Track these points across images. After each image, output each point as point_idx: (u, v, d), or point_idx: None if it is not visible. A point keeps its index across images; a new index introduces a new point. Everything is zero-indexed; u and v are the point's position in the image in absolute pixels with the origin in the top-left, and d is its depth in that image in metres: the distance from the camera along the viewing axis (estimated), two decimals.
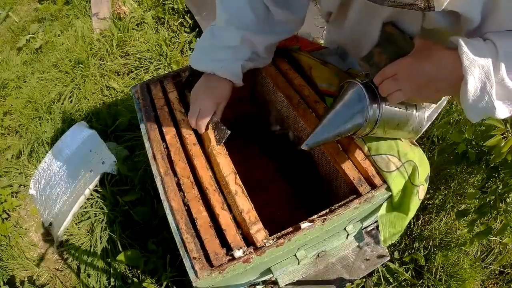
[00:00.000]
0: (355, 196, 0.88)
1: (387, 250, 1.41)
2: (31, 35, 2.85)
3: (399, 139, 0.92)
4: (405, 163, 0.88)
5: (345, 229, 1.00)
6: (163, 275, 1.55)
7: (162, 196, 0.86)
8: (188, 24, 2.62)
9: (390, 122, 0.80)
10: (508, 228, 1.22)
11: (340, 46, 1.14)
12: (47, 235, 1.89)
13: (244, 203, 0.83)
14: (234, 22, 0.93)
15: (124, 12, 2.68)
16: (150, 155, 0.95)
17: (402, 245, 1.68)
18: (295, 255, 0.92)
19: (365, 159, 0.91)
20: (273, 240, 0.80)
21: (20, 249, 1.85)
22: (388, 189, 0.87)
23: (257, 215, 0.81)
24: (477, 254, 1.68)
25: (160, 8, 2.71)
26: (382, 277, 1.56)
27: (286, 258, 0.92)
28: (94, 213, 1.78)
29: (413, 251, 1.66)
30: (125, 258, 1.59)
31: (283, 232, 0.82)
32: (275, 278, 0.95)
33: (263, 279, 1.06)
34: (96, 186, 1.81)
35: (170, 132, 0.97)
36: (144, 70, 2.43)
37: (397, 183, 0.87)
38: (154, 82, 1.10)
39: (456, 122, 1.78)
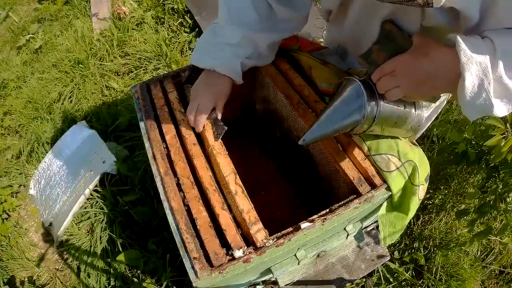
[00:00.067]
0: (355, 196, 0.88)
1: (387, 250, 1.40)
2: (31, 35, 2.85)
3: (398, 137, 0.92)
4: (405, 163, 0.88)
5: (345, 229, 1.00)
6: (163, 275, 1.55)
7: (162, 196, 0.86)
8: (188, 24, 2.62)
9: (388, 120, 0.80)
10: (508, 228, 1.22)
11: (340, 45, 1.14)
12: (47, 235, 1.89)
13: (244, 203, 0.83)
14: (235, 20, 0.93)
15: (124, 12, 2.68)
16: (150, 155, 0.95)
17: (402, 245, 1.68)
18: (295, 255, 0.92)
19: (365, 159, 0.91)
20: (273, 240, 0.80)
21: (20, 249, 1.85)
22: (388, 189, 0.87)
23: (257, 215, 0.81)
24: (477, 254, 1.68)
25: (160, 8, 2.71)
26: (382, 277, 1.56)
27: (286, 258, 0.92)
28: (94, 213, 1.78)
29: (413, 251, 1.66)
30: (125, 258, 1.59)
31: (283, 232, 0.82)
32: (275, 278, 0.95)
33: (263, 279, 1.06)
34: (96, 186, 1.81)
35: (170, 132, 0.97)
36: (144, 70, 2.43)
37: (397, 183, 0.87)
38: (154, 82, 1.10)
39: (455, 121, 1.78)
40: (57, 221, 1.79)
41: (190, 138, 0.96)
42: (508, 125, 1.09)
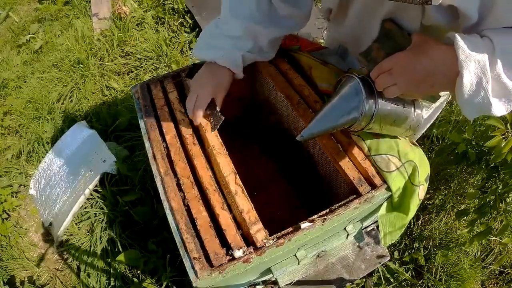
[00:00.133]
0: (355, 196, 0.88)
1: (387, 250, 1.40)
2: (31, 35, 2.85)
3: (397, 137, 0.92)
4: (405, 163, 0.88)
5: (345, 229, 1.00)
6: (163, 275, 1.55)
7: (162, 196, 0.86)
8: (188, 24, 2.62)
9: (386, 118, 0.80)
10: (508, 228, 1.22)
11: (340, 44, 1.14)
12: (47, 235, 1.89)
13: (244, 203, 0.83)
14: (237, 14, 0.94)
15: (125, 12, 2.68)
16: (150, 155, 0.95)
17: (402, 245, 1.68)
18: (295, 255, 0.92)
19: (365, 159, 0.91)
20: (273, 240, 0.80)
21: (20, 249, 1.85)
22: (388, 189, 0.87)
23: (257, 215, 0.81)
24: (477, 254, 1.68)
25: (160, 8, 2.71)
26: (382, 277, 1.56)
27: (286, 258, 0.92)
28: (94, 213, 1.78)
29: (413, 251, 1.66)
30: (125, 258, 1.59)
31: (283, 232, 0.82)
32: (275, 278, 0.95)
33: (263, 279, 1.06)
34: (96, 186, 1.81)
35: (170, 132, 0.97)
36: (144, 70, 2.43)
37: (397, 183, 0.87)
38: (154, 82, 1.10)
39: (456, 122, 1.78)
40: (57, 221, 1.79)
41: (190, 138, 0.96)
42: (508, 126, 1.09)
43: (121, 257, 1.59)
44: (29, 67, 2.67)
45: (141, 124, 1.02)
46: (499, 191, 1.22)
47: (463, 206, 1.69)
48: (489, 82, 0.62)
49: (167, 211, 0.84)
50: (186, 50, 2.51)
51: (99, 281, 1.63)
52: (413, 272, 1.63)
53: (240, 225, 0.83)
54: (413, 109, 0.83)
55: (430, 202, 1.77)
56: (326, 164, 1.02)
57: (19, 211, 2.01)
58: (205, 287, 0.77)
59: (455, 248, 1.64)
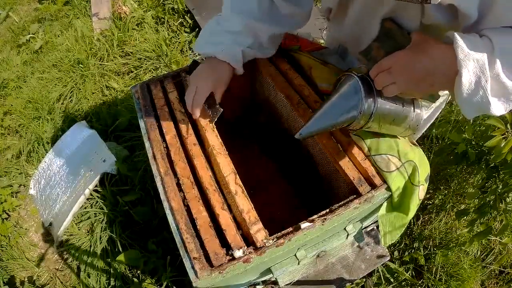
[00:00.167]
0: (355, 196, 0.88)
1: (387, 250, 1.41)
2: (31, 35, 2.85)
3: (397, 136, 0.92)
4: (405, 163, 0.88)
5: (345, 229, 1.00)
6: (163, 275, 1.55)
7: (162, 196, 0.86)
8: (188, 24, 2.62)
9: (385, 117, 0.80)
10: (508, 228, 1.22)
11: (340, 44, 1.14)
12: (47, 235, 1.89)
13: (244, 203, 0.83)
14: (238, 10, 0.94)
15: (125, 12, 2.68)
16: (150, 155, 0.95)
17: (402, 245, 1.68)
18: (295, 255, 0.92)
19: (365, 159, 0.91)
20: (273, 240, 0.80)
21: (20, 249, 1.85)
22: (388, 189, 0.87)
23: (257, 215, 0.81)
24: (477, 254, 1.68)
25: (160, 8, 2.71)
26: (382, 277, 1.56)
27: (286, 258, 0.92)
28: (94, 213, 1.78)
29: (413, 251, 1.66)
30: (125, 258, 1.59)
31: (283, 232, 0.82)
32: (275, 278, 0.95)
33: (263, 279, 1.06)
34: (96, 186, 1.81)
35: (170, 132, 0.97)
36: (144, 70, 2.43)
37: (397, 183, 0.87)
38: (154, 82, 1.10)
39: (455, 122, 1.78)
40: (57, 221, 1.79)
41: (190, 138, 0.96)
42: (508, 126, 1.09)
43: (121, 257, 1.59)
44: (29, 67, 2.67)
45: (141, 124, 1.02)
46: (499, 191, 1.22)
47: (463, 206, 1.69)
48: (488, 81, 0.62)
49: (167, 211, 0.84)
50: (186, 50, 2.51)
51: (99, 281, 1.63)
52: (413, 272, 1.63)
53: (240, 225, 0.83)
54: (412, 108, 0.83)
55: (430, 202, 1.77)
56: (326, 164, 1.02)
57: (19, 211, 2.01)
58: (205, 287, 0.77)
59: (455, 248, 1.64)
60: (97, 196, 1.80)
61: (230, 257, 0.77)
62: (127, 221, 1.74)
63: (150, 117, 1.01)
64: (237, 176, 0.87)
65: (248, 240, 0.81)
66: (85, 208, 1.80)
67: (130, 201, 1.76)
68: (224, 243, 0.79)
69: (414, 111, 0.84)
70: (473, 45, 0.62)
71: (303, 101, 1.04)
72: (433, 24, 0.76)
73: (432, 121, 1.30)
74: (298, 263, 0.93)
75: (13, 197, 2.03)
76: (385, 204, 0.91)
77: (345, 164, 0.92)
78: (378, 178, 0.88)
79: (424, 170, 0.90)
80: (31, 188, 1.97)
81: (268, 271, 0.93)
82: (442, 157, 1.62)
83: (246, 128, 1.41)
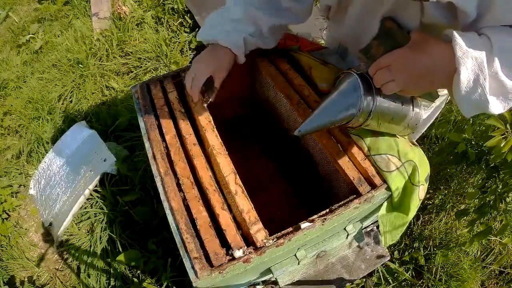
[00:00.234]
0: (355, 196, 0.88)
1: (387, 250, 1.41)
2: (31, 35, 2.85)
3: (396, 136, 0.92)
4: (405, 163, 0.88)
5: (345, 229, 1.00)
6: (163, 275, 1.55)
7: (162, 196, 0.86)
8: (188, 24, 2.62)
9: (384, 115, 0.80)
10: (508, 228, 1.22)
11: (340, 44, 1.14)
12: (47, 235, 1.89)
13: (244, 203, 0.83)
14: (240, 1, 0.96)
15: (124, 12, 2.68)
16: (150, 155, 0.95)
17: (402, 245, 1.68)
18: (295, 255, 0.92)
19: (365, 159, 0.91)
20: (273, 240, 0.80)
21: (20, 249, 1.85)
22: (388, 189, 0.87)
23: (257, 215, 0.81)
24: (477, 254, 1.68)
25: (160, 8, 2.71)
26: (382, 277, 1.56)
27: (286, 258, 0.92)
28: (94, 213, 1.78)
29: (413, 251, 1.66)
30: (125, 258, 1.59)
31: (283, 232, 0.82)
32: (275, 278, 0.95)
33: (263, 279, 1.06)
34: (96, 186, 1.81)
35: (170, 132, 0.97)
36: (143, 70, 2.43)
37: (397, 183, 0.87)
38: (154, 82, 1.10)
39: (455, 122, 1.78)
40: (57, 221, 1.79)
41: (190, 138, 0.96)
42: (508, 126, 1.09)
43: (121, 257, 1.59)
44: (29, 67, 2.67)
45: (141, 124, 1.02)
46: (499, 191, 1.22)
47: (463, 206, 1.69)
48: (486, 79, 0.62)
49: (167, 211, 0.84)
50: (186, 50, 2.51)
51: (99, 281, 1.63)
52: (413, 272, 1.62)
53: (240, 225, 0.83)
54: (411, 107, 0.83)
55: (430, 202, 1.77)
56: (326, 164, 1.02)
57: (19, 211, 2.01)
58: (205, 287, 0.77)
59: (455, 248, 1.64)
60: (97, 196, 1.80)
61: (230, 257, 0.77)
62: (127, 221, 1.74)
63: (150, 117, 1.01)
64: (237, 176, 0.87)
65: (248, 240, 0.81)
66: (85, 208, 1.80)
67: (130, 201, 1.76)
68: (224, 243, 0.79)
69: (413, 110, 0.84)
70: (471, 43, 0.62)
71: (303, 101, 1.04)
72: (432, 23, 0.76)
73: (432, 121, 1.30)
74: (298, 263, 0.93)
75: (13, 197, 2.03)
76: (385, 204, 0.91)
77: (345, 164, 0.92)
78: (378, 178, 0.89)
79: (424, 170, 0.90)
80: (31, 188, 1.97)
81: (268, 271, 0.93)
82: (442, 157, 1.62)
83: (246, 128, 1.41)
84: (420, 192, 0.90)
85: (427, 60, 0.67)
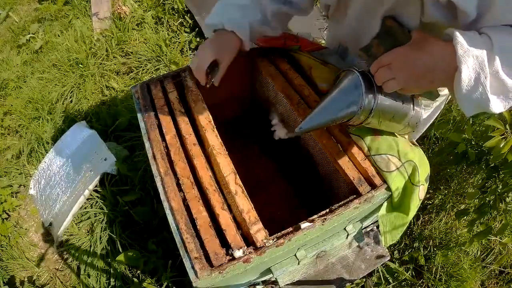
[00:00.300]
0: (355, 196, 0.88)
1: (387, 250, 1.41)
2: (31, 35, 2.85)
3: (396, 136, 0.92)
4: (405, 163, 0.88)
5: (345, 229, 1.00)
6: (163, 275, 1.55)
7: (162, 196, 0.86)
8: (188, 24, 2.62)
9: (385, 113, 0.80)
10: (508, 228, 1.22)
11: (341, 43, 1.15)
12: (47, 235, 1.89)
13: (244, 203, 0.83)
14: None
15: (124, 12, 2.68)
16: (150, 155, 0.95)
17: (402, 245, 1.68)
18: (295, 255, 0.92)
19: (365, 159, 0.91)
20: (273, 240, 0.80)
21: (20, 249, 1.85)
22: (388, 189, 0.87)
23: (257, 215, 0.81)
24: (477, 254, 1.68)
25: (160, 8, 2.71)
26: (382, 277, 1.56)
27: (286, 258, 0.92)
28: (94, 213, 1.78)
29: (413, 250, 1.66)
30: (125, 258, 1.59)
31: (283, 232, 0.82)
32: (275, 278, 0.95)
33: (263, 279, 1.06)
34: (96, 186, 1.81)
35: (170, 132, 0.97)
36: (144, 70, 2.43)
37: (397, 183, 0.87)
38: (154, 82, 1.10)
39: (455, 122, 1.78)
40: (57, 221, 1.79)
41: (190, 138, 0.96)
42: (507, 126, 1.09)
43: (121, 257, 1.59)
44: (29, 67, 2.67)
45: (141, 124, 1.02)
46: (499, 191, 1.22)
47: (463, 206, 1.69)
48: (487, 78, 0.62)
49: (167, 211, 0.84)
50: (186, 50, 2.51)
51: (99, 281, 1.63)
52: (413, 272, 1.63)
53: (240, 225, 0.83)
54: (412, 106, 0.83)
55: (430, 202, 1.77)
56: (326, 164, 1.02)
57: (19, 211, 2.01)
58: (205, 287, 0.77)
59: (455, 248, 1.64)
60: (97, 196, 1.80)
61: (230, 257, 0.77)
62: (127, 221, 1.74)
63: (150, 117, 1.01)
64: (237, 176, 0.87)
65: (248, 240, 0.81)
66: (85, 208, 1.80)
67: (130, 201, 1.76)
68: (224, 243, 0.79)
69: (413, 109, 0.84)
70: (472, 41, 0.62)
71: (303, 101, 1.04)
72: (432, 23, 0.76)
73: (432, 121, 1.30)
74: (298, 263, 0.93)
75: (13, 197, 2.03)
76: (385, 204, 0.91)
77: (345, 164, 0.92)
78: (378, 178, 0.89)
79: (424, 170, 0.90)
80: (31, 188, 1.97)
81: (268, 271, 0.93)
82: (442, 157, 1.62)
83: (246, 128, 1.41)
84: (420, 192, 0.90)
85: (427, 59, 0.67)
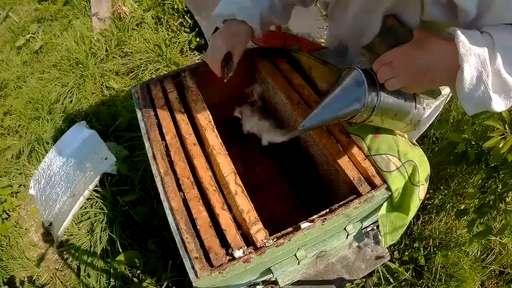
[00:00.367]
0: (355, 196, 0.88)
1: (387, 250, 1.41)
2: (31, 35, 2.85)
3: (397, 136, 0.92)
4: (405, 163, 0.88)
5: (345, 229, 1.00)
6: (163, 275, 1.55)
7: (162, 196, 0.86)
8: (188, 24, 2.62)
9: (388, 111, 0.80)
10: (508, 228, 1.22)
11: (341, 42, 1.15)
12: (47, 235, 1.89)
13: (244, 203, 0.83)
14: None
15: (124, 12, 2.68)
16: (150, 155, 0.95)
17: (402, 245, 1.68)
18: (295, 255, 0.92)
19: (365, 159, 0.91)
20: (273, 240, 0.80)
21: (20, 249, 1.85)
22: (388, 189, 0.87)
23: (257, 215, 0.81)
24: (477, 254, 1.68)
25: (160, 8, 2.71)
26: (382, 277, 1.56)
27: (286, 258, 0.92)
28: (94, 213, 1.78)
29: (413, 251, 1.66)
30: (125, 258, 1.59)
31: (283, 232, 0.82)
32: (275, 278, 0.95)
33: (263, 279, 1.06)
34: (96, 186, 1.81)
35: (170, 132, 0.97)
36: (143, 70, 2.43)
37: (397, 183, 0.87)
38: (154, 82, 1.10)
39: (455, 122, 1.78)
40: (57, 221, 1.79)
41: (190, 138, 0.96)
42: (506, 126, 1.09)
43: (121, 257, 1.59)
44: (29, 67, 2.67)
45: (141, 124, 1.02)
46: (499, 191, 1.22)
47: (463, 206, 1.69)
48: (489, 77, 0.63)
49: (167, 211, 0.84)
50: (186, 50, 2.51)
51: (99, 281, 1.63)
52: (413, 272, 1.63)
53: (240, 225, 0.83)
54: (414, 104, 0.84)
55: (430, 202, 1.77)
56: (326, 164, 1.03)
57: (19, 211, 2.01)
58: (205, 287, 0.77)
59: (455, 248, 1.64)
60: (97, 196, 1.80)
61: (230, 257, 0.77)
62: (127, 221, 1.74)
63: (150, 117, 1.01)
64: (237, 176, 0.87)
65: (248, 240, 0.81)
66: (85, 208, 1.80)
67: (130, 201, 1.76)
68: (224, 243, 0.79)
69: (416, 107, 0.84)
70: (474, 40, 0.62)
71: (303, 101, 1.04)
72: (432, 21, 0.77)
73: (432, 121, 1.30)
74: (298, 263, 0.93)
75: (13, 197, 2.03)
76: (385, 204, 0.91)
77: (345, 164, 0.92)
78: (378, 178, 0.89)
79: (424, 170, 0.90)
80: (31, 188, 1.97)
81: (268, 271, 0.93)
82: (442, 157, 1.62)
83: None
84: (420, 192, 0.90)
85: (428, 58, 0.68)
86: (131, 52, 2.52)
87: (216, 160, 0.90)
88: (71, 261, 1.76)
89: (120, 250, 1.63)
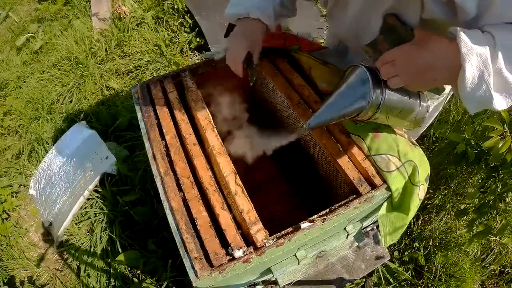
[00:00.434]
0: (355, 196, 0.88)
1: (387, 250, 1.41)
2: (31, 35, 2.85)
3: (397, 136, 0.92)
4: (405, 163, 0.88)
5: (345, 229, 1.00)
6: (163, 275, 1.55)
7: (162, 196, 0.86)
8: (188, 24, 2.62)
9: (392, 108, 0.81)
10: (508, 228, 1.22)
11: (341, 41, 1.15)
12: (47, 235, 1.89)
13: (244, 203, 0.83)
14: None
15: (124, 12, 2.68)
16: (150, 155, 0.95)
17: (402, 245, 1.68)
18: (295, 255, 0.92)
19: (365, 159, 0.91)
20: (273, 240, 0.80)
21: (20, 249, 1.85)
22: (388, 189, 0.87)
23: (257, 215, 0.81)
24: (477, 254, 1.68)
25: (160, 8, 2.71)
26: (382, 277, 1.56)
27: (286, 258, 0.92)
28: (94, 213, 1.78)
29: (413, 250, 1.66)
30: (125, 258, 1.59)
31: (283, 232, 0.82)
32: (275, 278, 0.95)
33: (263, 279, 1.06)
34: (96, 186, 1.81)
35: (170, 132, 0.97)
36: (143, 70, 2.43)
37: (397, 183, 0.87)
38: (154, 82, 1.10)
39: (455, 122, 1.78)
40: (57, 221, 1.79)
41: (190, 138, 0.96)
42: (506, 126, 1.09)
43: (121, 257, 1.59)
44: (29, 67, 2.67)
45: (141, 124, 1.02)
46: (499, 191, 1.22)
47: (463, 206, 1.69)
48: (490, 76, 0.63)
49: (167, 211, 0.84)
50: (186, 50, 2.51)
51: (99, 281, 1.63)
52: (413, 272, 1.63)
53: (240, 225, 0.83)
54: (418, 101, 0.84)
55: (430, 202, 1.77)
56: (326, 164, 1.03)
57: (19, 211, 2.01)
58: (205, 287, 0.77)
59: (455, 248, 1.64)
60: (97, 196, 1.80)
61: (230, 257, 0.77)
62: (127, 221, 1.74)
63: (150, 117, 1.01)
64: (237, 176, 0.87)
65: (248, 240, 0.81)
66: (85, 208, 1.80)
67: (130, 201, 1.76)
68: (224, 243, 0.79)
69: (420, 104, 0.84)
70: (475, 40, 0.63)
71: (303, 101, 1.04)
72: (432, 19, 0.77)
73: (431, 120, 1.30)
74: (298, 263, 0.93)
75: (13, 197, 2.03)
76: (385, 204, 0.91)
77: (345, 164, 0.92)
78: (378, 178, 0.89)
79: (424, 170, 0.90)
80: (31, 188, 1.97)
81: (268, 271, 0.93)
82: (442, 157, 1.62)
83: None
84: (420, 192, 0.90)
85: (429, 57, 0.68)
86: (131, 52, 2.52)
87: (216, 160, 0.90)
88: (71, 261, 1.76)
89: (120, 250, 1.63)
